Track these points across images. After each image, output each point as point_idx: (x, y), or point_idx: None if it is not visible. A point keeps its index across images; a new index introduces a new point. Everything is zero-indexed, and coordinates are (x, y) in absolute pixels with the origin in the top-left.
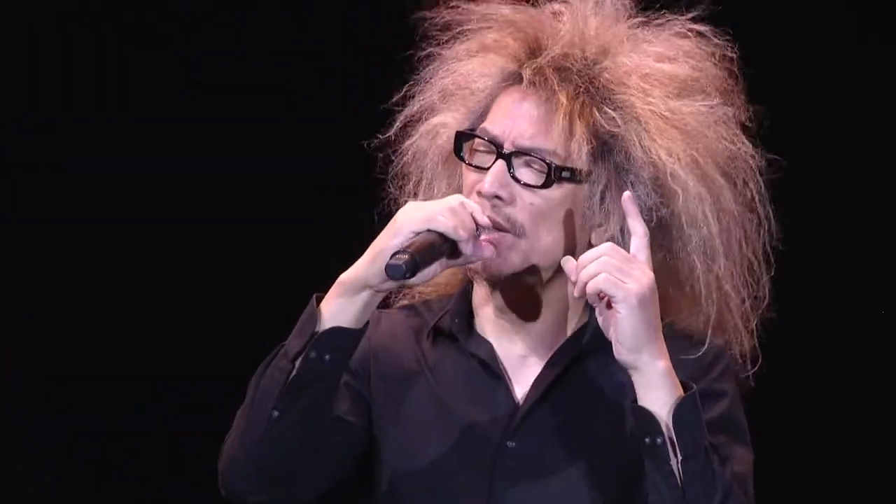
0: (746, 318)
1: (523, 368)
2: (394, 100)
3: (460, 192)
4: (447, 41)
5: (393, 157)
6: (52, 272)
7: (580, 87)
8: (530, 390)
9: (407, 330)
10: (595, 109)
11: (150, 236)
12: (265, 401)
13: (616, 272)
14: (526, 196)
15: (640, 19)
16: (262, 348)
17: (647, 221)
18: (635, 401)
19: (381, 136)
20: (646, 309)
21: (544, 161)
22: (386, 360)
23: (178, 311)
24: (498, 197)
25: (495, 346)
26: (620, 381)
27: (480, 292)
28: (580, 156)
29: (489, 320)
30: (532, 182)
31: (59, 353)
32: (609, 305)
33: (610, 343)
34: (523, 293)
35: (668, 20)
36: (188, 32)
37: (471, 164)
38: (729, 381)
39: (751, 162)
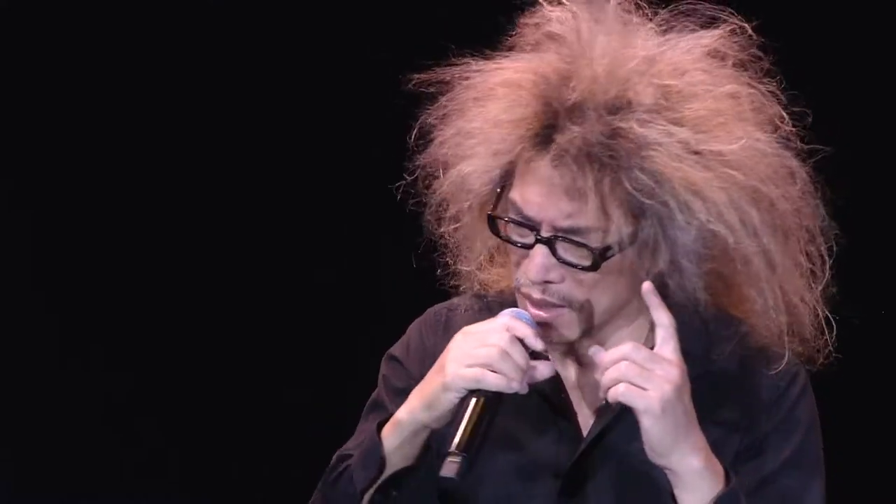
0: (815, 309)
1: (588, 394)
2: (412, 134)
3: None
4: (449, 92)
5: (416, 190)
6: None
7: (604, 161)
8: (595, 420)
9: None
10: (625, 180)
11: (154, 236)
12: None
13: (637, 379)
14: (575, 272)
15: (651, 23)
16: (261, 347)
17: (705, 260)
18: (672, 495)
19: (406, 179)
20: (671, 412)
21: (587, 246)
22: None
23: (179, 310)
24: (548, 280)
25: (559, 367)
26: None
27: None
28: (620, 231)
29: None
30: (578, 262)
31: (68, 353)
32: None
33: None
34: (594, 335)
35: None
36: (188, 32)
37: (511, 242)
38: (804, 405)
39: (792, 159)
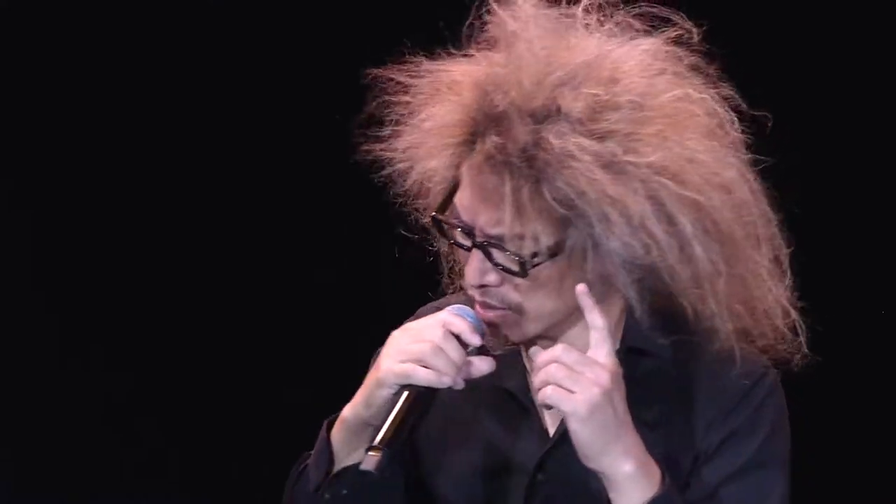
0: (782, 311)
1: None
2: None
3: None
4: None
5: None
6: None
7: (523, 171)
8: (561, 420)
9: None
10: (545, 190)
11: (154, 236)
12: None
13: (565, 381)
14: (510, 277)
15: (608, 25)
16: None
17: (636, 268)
18: (608, 499)
19: (382, 174)
20: (599, 415)
21: (511, 253)
22: None
23: (179, 310)
24: (485, 284)
25: (528, 364)
26: (654, 408)
27: None
28: (540, 240)
29: None
30: (511, 268)
31: (68, 353)
32: None
33: (641, 369)
34: (549, 335)
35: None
36: (188, 32)
37: (455, 244)
38: (770, 407)
39: (742, 164)
